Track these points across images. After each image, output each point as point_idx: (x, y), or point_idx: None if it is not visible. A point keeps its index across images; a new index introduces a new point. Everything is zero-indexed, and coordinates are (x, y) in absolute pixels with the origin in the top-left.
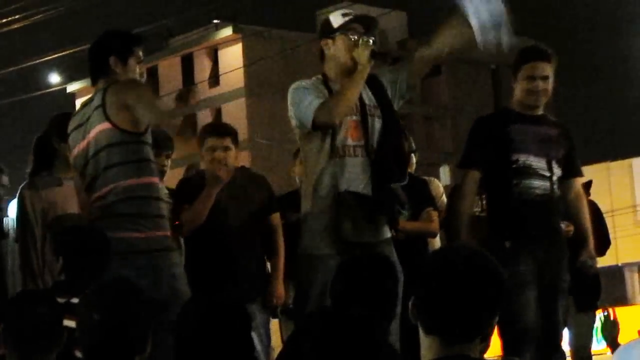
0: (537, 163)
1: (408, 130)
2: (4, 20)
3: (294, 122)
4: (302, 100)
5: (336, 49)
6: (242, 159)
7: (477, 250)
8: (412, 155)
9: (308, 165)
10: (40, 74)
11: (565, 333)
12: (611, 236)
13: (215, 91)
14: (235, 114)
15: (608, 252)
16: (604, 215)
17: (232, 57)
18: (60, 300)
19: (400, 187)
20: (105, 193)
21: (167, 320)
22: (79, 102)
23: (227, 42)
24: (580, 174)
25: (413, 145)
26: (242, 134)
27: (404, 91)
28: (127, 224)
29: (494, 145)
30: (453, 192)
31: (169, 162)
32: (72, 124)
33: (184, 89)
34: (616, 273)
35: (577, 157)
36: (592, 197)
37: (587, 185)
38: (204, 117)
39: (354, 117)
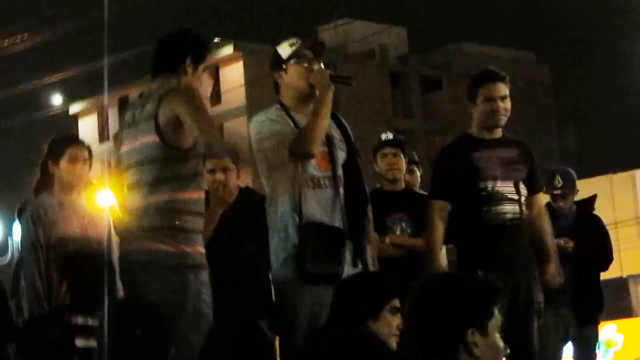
0: (505, 187)
1: (409, 145)
2: (7, 43)
3: (262, 155)
4: (272, 133)
5: (290, 78)
6: (244, 176)
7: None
8: (416, 167)
9: (279, 194)
10: (42, 95)
11: (569, 347)
12: (615, 248)
13: (217, 109)
14: (237, 131)
15: (613, 264)
16: (608, 227)
17: (233, 75)
18: (69, 321)
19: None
20: (143, 206)
21: (186, 339)
22: (81, 123)
23: (228, 60)
24: (540, 189)
25: (415, 156)
26: (244, 152)
27: None
28: (160, 237)
29: (460, 175)
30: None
31: None
32: (125, 119)
33: None
34: (621, 285)
35: (538, 173)
36: (595, 209)
37: (592, 200)
38: None
39: (322, 148)
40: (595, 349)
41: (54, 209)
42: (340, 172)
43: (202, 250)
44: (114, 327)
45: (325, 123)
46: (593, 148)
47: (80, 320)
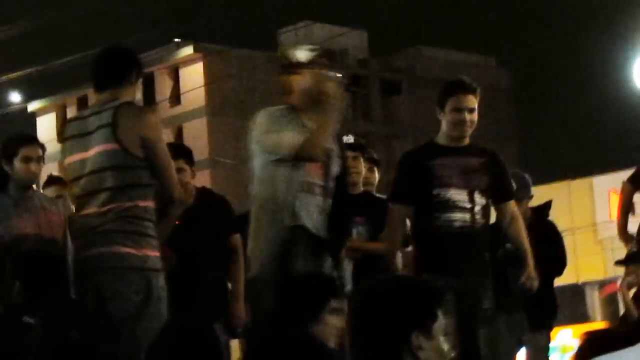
0: (458, 195)
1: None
2: None
3: (260, 147)
4: (281, 129)
5: (305, 83)
6: (203, 178)
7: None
8: (375, 167)
9: (270, 192)
10: (0, 92)
11: (522, 352)
12: (572, 254)
13: (177, 110)
14: (197, 133)
15: (569, 270)
16: (564, 233)
17: (193, 76)
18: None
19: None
20: (104, 212)
21: (146, 340)
22: (39, 121)
23: (188, 61)
24: (511, 197)
25: (375, 155)
26: (203, 153)
27: None
28: (124, 240)
29: (418, 181)
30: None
31: None
32: (70, 130)
33: None
34: (577, 291)
35: (508, 182)
36: (552, 216)
37: (547, 206)
38: (166, 136)
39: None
40: (548, 354)
41: (8, 208)
42: (331, 184)
43: (159, 254)
44: (49, 328)
45: (332, 131)
46: (551, 154)
47: (32, 320)
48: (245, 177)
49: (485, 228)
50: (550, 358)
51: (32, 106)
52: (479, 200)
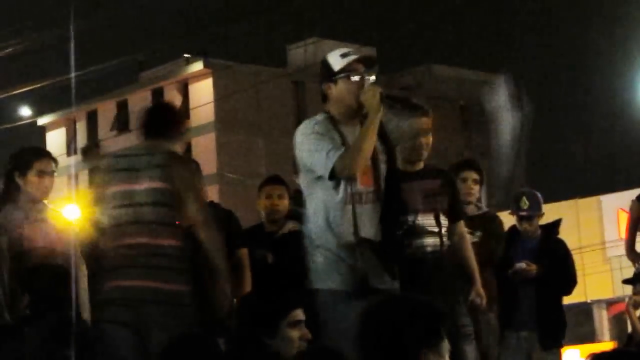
0: (426, 220)
1: None
2: None
3: (302, 166)
4: (320, 149)
5: (340, 92)
6: (211, 193)
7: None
8: None
9: (316, 208)
10: (10, 106)
11: None
12: (580, 273)
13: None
14: (205, 148)
15: (577, 289)
16: (572, 252)
17: (203, 91)
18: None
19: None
20: (143, 244)
21: None
22: (49, 136)
23: (198, 76)
24: (461, 217)
25: None
26: (212, 168)
27: None
28: (169, 277)
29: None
30: None
31: None
32: (116, 164)
33: None
34: (584, 310)
35: (459, 201)
36: (560, 234)
37: (556, 224)
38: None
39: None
40: None
41: (19, 220)
42: (382, 186)
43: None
44: (45, 344)
45: (371, 146)
46: (559, 172)
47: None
48: (252, 193)
49: (449, 249)
50: None
51: (42, 120)
52: (444, 222)
